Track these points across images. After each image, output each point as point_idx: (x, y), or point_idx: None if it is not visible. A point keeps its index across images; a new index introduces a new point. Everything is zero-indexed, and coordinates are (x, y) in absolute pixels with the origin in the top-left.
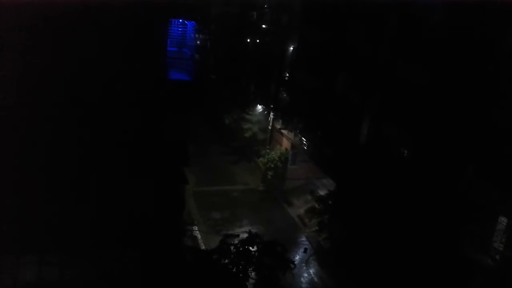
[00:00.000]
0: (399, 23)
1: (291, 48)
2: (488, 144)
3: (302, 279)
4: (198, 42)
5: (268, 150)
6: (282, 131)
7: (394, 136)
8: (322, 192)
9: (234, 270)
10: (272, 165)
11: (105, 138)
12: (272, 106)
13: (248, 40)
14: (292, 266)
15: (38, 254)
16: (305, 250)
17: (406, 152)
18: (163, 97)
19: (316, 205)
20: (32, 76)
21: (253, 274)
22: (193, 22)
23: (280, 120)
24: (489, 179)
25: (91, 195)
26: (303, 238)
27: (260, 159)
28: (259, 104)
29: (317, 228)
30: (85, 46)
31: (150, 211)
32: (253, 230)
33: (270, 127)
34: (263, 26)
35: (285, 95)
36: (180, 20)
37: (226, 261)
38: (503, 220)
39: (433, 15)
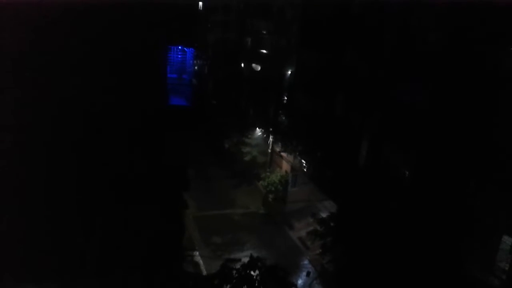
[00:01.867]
0: (397, 44)
1: (289, 72)
2: (491, 162)
3: None
4: (197, 68)
5: (268, 173)
6: (282, 154)
7: (394, 156)
8: (323, 214)
9: None
10: (273, 188)
11: (104, 164)
12: (271, 129)
13: (246, 65)
14: None
15: (39, 280)
16: (308, 274)
17: (407, 172)
18: (163, 123)
19: (318, 228)
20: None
21: None
22: (192, 48)
23: (280, 143)
24: (493, 198)
25: (91, 221)
26: (306, 261)
27: (261, 182)
28: (258, 128)
29: (320, 251)
30: (86, 72)
31: (150, 237)
32: (255, 254)
33: (269, 150)
34: (261, 50)
35: (284, 118)
36: (180, 47)
37: (228, 286)
38: (507, 239)
39: (431, 36)
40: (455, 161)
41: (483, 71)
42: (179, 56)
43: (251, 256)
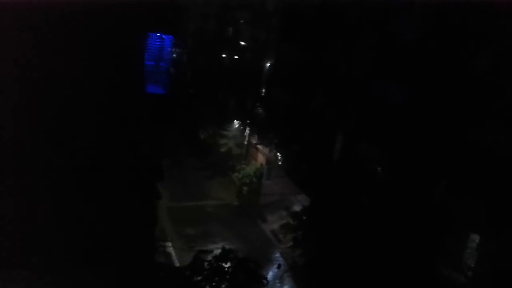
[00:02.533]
0: (375, 41)
1: (268, 64)
2: (462, 161)
3: None
4: (175, 56)
5: (243, 165)
6: (258, 146)
7: (368, 152)
8: (297, 208)
9: (207, 287)
10: (248, 181)
11: (76, 152)
12: (248, 121)
13: (225, 56)
14: (266, 282)
15: (5, 270)
16: (279, 266)
17: (380, 168)
18: (138, 110)
19: (291, 221)
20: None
21: None
22: (171, 36)
23: (256, 136)
24: (463, 196)
25: (60, 212)
26: (277, 254)
27: (235, 174)
28: (235, 119)
29: (291, 244)
30: (58, 57)
31: (122, 227)
32: (227, 246)
33: (246, 142)
34: (241, 42)
35: (261, 110)
36: (158, 34)
37: (200, 277)
38: (475, 237)
39: (410, 34)
40: (426, 158)
41: (458, 70)
42: (157, 43)
43: (223, 248)
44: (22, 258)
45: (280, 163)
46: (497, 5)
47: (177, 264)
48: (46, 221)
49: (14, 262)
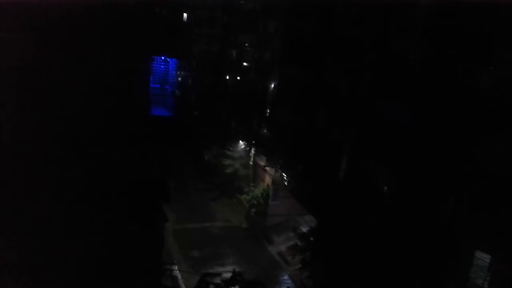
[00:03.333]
0: (378, 60)
1: (272, 85)
2: (468, 179)
3: None
4: (180, 79)
5: (252, 187)
6: (264, 167)
7: (374, 172)
8: (304, 229)
9: None
10: (255, 202)
11: (81, 174)
12: (253, 142)
13: (229, 77)
14: None
15: None
16: None
17: (386, 188)
18: (144, 133)
19: (299, 242)
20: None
21: None
22: (175, 59)
23: (262, 156)
24: (470, 215)
25: (67, 233)
26: (286, 277)
27: (244, 196)
28: (241, 140)
29: (299, 266)
30: (64, 83)
31: (129, 250)
32: (234, 268)
33: (251, 163)
34: (244, 64)
35: (266, 131)
36: (163, 57)
37: None
38: (483, 256)
39: (410, 53)
40: (432, 177)
41: (463, 88)
42: (162, 67)
43: (233, 271)
44: (24, 282)
45: (286, 183)
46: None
47: None
48: (51, 244)
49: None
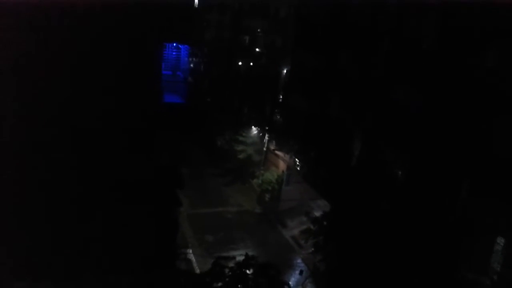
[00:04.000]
0: (391, 46)
1: (285, 71)
2: (486, 163)
3: None
4: (192, 65)
5: (262, 172)
6: (277, 152)
7: (388, 156)
8: (317, 213)
9: None
10: (269, 187)
11: (98, 163)
12: (266, 128)
13: (242, 63)
14: None
15: (29, 281)
16: (301, 272)
17: (400, 172)
18: (157, 120)
19: (311, 226)
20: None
21: None
22: (187, 45)
23: (275, 142)
24: (487, 199)
25: (84, 220)
26: (299, 260)
27: (255, 180)
28: (254, 126)
29: (312, 249)
30: (79, 70)
31: (145, 234)
32: (248, 252)
33: (265, 149)
34: (257, 49)
35: (279, 117)
36: (174, 44)
37: (220, 284)
38: (501, 240)
39: (424, 38)
40: (449, 161)
41: (477, 72)
42: (174, 53)
43: (246, 255)
44: (42, 270)
45: (298, 169)
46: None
47: (198, 271)
48: (68, 229)
49: (37, 274)
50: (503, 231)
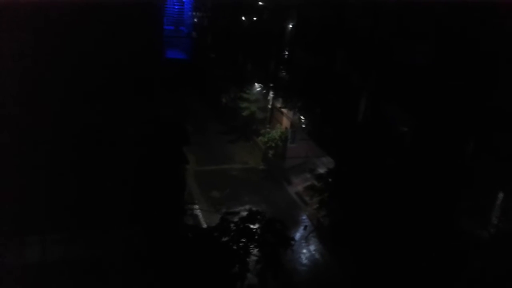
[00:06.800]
0: (399, 4)
1: (290, 26)
2: (491, 120)
3: (302, 255)
4: (195, 20)
5: (268, 129)
6: (282, 109)
7: (393, 113)
8: (321, 170)
9: (235, 247)
10: (273, 144)
11: (102, 121)
12: (271, 84)
13: (246, 18)
14: (293, 243)
15: (38, 235)
16: (305, 228)
17: (405, 129)
18: (160, 76)
19: (316, 183)
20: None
21: (254, 251)
22: None
23: (280, 99)
24: (491, 155)
25: (92, 177)
26: (303, 216)
27: (260, 138)
28: (258, 83)
29: (317, 205)
30: (77, 25)
31: (153, 191)
32: (254, 208)
33: (270, 106)
34: (260, 3)
35: (284, 73)
36: None
37: (227, 238)
38: (500, 195)
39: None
40: (454, 119)
41: (485, 30)
42: (176, 7)
43: (250, 210)
44: (51, 222)
45: (303, 126)
46: None
47: (205, 226)
48: (78, 184)
49: (49, 225)
50: (503, 186)
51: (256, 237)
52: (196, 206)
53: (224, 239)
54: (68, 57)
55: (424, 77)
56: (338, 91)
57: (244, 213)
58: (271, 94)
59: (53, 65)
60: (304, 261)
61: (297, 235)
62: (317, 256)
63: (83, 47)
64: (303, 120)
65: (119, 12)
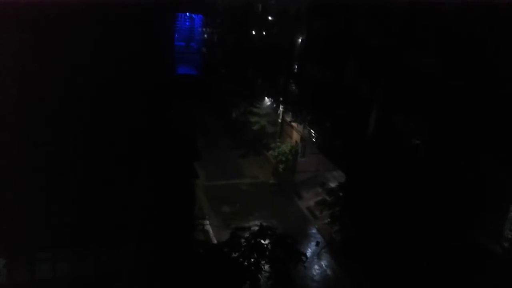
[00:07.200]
0: (408, 12)
1: (299, 40)
2: (502, 131)
3: (314, 271)
4: (205, 35)
5: (278, 143)
6: (292, 123)
7: (404, 126)
8: (332, 184)
9: (246, 262)
10: (284, 158)
11: (114, 136)
12: (281, 98)
13: (256, 33)
14: (304, 258)
15: (50, 251)
16: (317, 244)
17: (417, 142)
18: (171, 92)
19: (327, 198)
20: (32, 74)
21: (265, 267)
22: (200, 15)
23: (290, 113)
24: (503, 167)
25: (102, 192)
26: (314, 231)
27: (270, 152)
28: (268, 97)
29: (328, 220)
30: (91, 41)
31: (163, 206)
32: (264, 223)
33: (280, 120)
34: (270, 18)
35: (294, 87)
36: (187, 14)
37: (238, 254)
38: None
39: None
40: (465, 129)
41: (502, 39)
42: (187, 23)
43: (261, 225)
44: (66, 240)
45: (313, 140)
46: None
47: (215, 241)
48: (87, 201)
49: (57, 243)
50: None
51: (267, 252)
52: (207, 222)
53: (235, 254)
54: (84, 74)
55: (436, 88)
56: (348, 104)
57: (255, 228)
58: (281, 108)
59: (69, 82)
60: (316, 277)
61: (309, 251)
62: (329, 272)
63: (99, 65)
64: (313, 134)
65: (132, 29)
